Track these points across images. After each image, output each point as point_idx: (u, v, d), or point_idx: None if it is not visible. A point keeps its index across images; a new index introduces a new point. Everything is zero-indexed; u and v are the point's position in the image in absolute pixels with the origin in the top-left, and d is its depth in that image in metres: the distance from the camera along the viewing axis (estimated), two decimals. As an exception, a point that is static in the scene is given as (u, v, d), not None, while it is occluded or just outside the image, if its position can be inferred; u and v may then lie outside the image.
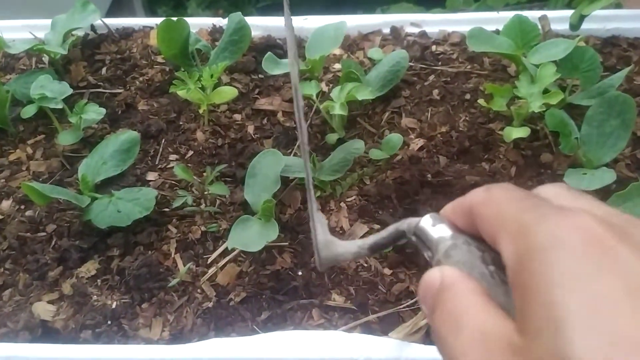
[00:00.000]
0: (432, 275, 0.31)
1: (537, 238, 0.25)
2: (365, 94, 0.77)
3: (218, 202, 0.79)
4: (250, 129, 0.89)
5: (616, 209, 0.28)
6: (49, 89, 0.83)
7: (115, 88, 0.97)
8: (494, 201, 0.30)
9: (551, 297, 0.23)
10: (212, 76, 0.84)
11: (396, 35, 1.02)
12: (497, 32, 0.95)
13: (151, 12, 2.13)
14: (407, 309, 0.68)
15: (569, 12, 0.91)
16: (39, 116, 0.91)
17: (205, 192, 0.76)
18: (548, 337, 0.22)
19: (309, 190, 0.40)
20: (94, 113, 0.83)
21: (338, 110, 0.77)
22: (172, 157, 0.85)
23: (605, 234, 0.24)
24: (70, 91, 0.85)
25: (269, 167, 0.76)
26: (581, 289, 0.23)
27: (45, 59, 1.02)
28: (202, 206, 0.77)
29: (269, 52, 0.89)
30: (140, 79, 0.99)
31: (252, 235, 0.69)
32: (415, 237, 0.34)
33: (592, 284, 0.23)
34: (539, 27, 0.91)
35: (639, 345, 0.21)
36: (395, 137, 0.79)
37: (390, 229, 0.36)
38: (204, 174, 0.80)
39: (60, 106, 0.83)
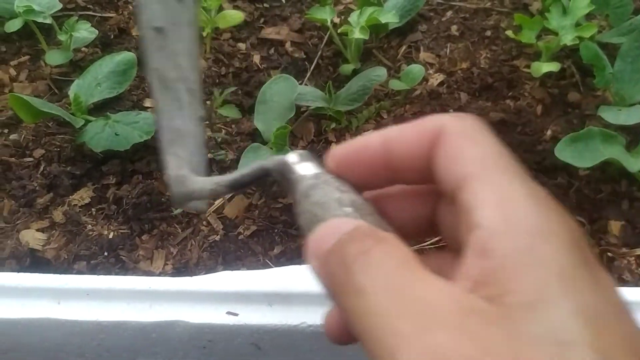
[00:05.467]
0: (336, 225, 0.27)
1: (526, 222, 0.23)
2: (389, 17, 0.71)
3: (224, 131, 0.72)
4: (256, 58, 0.82)
5: None
6: (36, 2, 0.74)
7: (106, 12, 0.89)
8: (483, 141, 0.26)
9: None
10: (217, -4, 0.76)
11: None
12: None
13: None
14: (431, 246, 0.63)
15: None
16: (23, 36, 0.82)
17: (213, 118, 0.70)
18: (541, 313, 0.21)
19: (161, 114, 0.36)
20: (85, 31, 0.75)
21: (358, 34, 0.70)
22: (172, 84, 0.78)
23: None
24: (59, 6, 0.77)
25: (281, 93, 0.69)
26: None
27: (28, -21, 0.93)
28: (208, 134, 0.70)
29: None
30: (134, 3, 0.91)
31: (265, 163, 0.63)
32: (280, 175, 0.31)
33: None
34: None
35: None
36: (416, 68, 0.74)
37: (255, 165, 0.33)
38: (210, 99, 0.73)
39: (48, 21, 0.75)
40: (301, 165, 0.30)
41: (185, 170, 0.35)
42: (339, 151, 0.30)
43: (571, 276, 0.21)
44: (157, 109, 0.36)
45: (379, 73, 0.69)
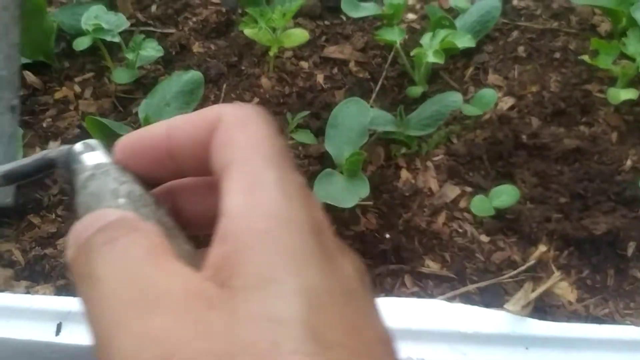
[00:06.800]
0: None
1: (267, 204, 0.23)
2: (465, 41, 0.69)
3: (292, 154, 0.71)
4: (320, 78, 0.81)
5: None
6: (105, 20, 0.74)
7: (166, 28, 0.89)
8: (252, 128, 0.26)
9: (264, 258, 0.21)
10: (284, 15, 0.75)
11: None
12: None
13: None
14: (510, 279, 0.61)
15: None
16: (86, 53, 0.82)
17: (286, 141, 0.68)
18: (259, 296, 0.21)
19: None
20: (152, 50, 0.75)
21: (432, 57, 0.69)
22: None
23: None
24: (127, 24, 0.76)
25: (353, 117, 0.68)
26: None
27: (89, -7, 0.93)
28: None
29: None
30: (194, 19, 0.90)
31: (340, 191, 0.62)
32: (65, 165, 0.29)
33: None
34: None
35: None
36: (489, 92, 0.72)
37: (39, 155, 0.30)
38: (277, 120, 0.72)
39: (116, 39, 0.75)
40: (87, 155, 0.28)
41: None
42: (125, 140, 0.28)
43: (301, 259, 0.21)
44: None
45: (455, 99, 0.67)
